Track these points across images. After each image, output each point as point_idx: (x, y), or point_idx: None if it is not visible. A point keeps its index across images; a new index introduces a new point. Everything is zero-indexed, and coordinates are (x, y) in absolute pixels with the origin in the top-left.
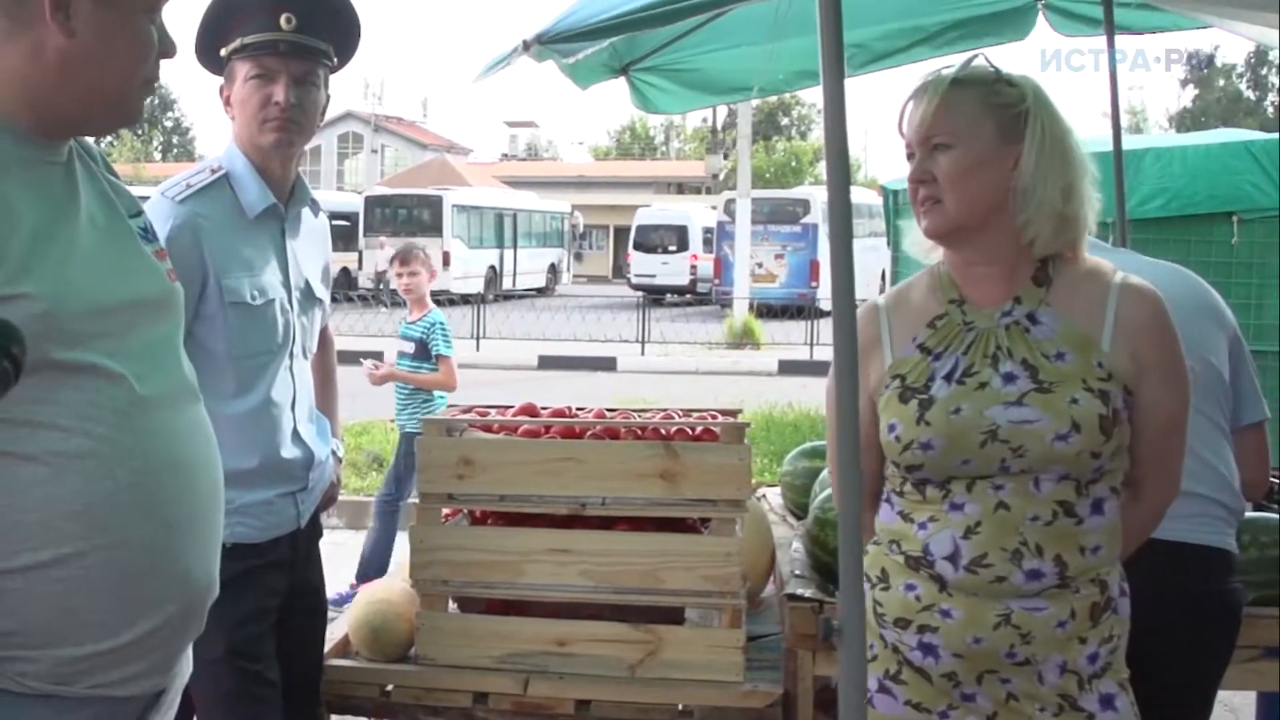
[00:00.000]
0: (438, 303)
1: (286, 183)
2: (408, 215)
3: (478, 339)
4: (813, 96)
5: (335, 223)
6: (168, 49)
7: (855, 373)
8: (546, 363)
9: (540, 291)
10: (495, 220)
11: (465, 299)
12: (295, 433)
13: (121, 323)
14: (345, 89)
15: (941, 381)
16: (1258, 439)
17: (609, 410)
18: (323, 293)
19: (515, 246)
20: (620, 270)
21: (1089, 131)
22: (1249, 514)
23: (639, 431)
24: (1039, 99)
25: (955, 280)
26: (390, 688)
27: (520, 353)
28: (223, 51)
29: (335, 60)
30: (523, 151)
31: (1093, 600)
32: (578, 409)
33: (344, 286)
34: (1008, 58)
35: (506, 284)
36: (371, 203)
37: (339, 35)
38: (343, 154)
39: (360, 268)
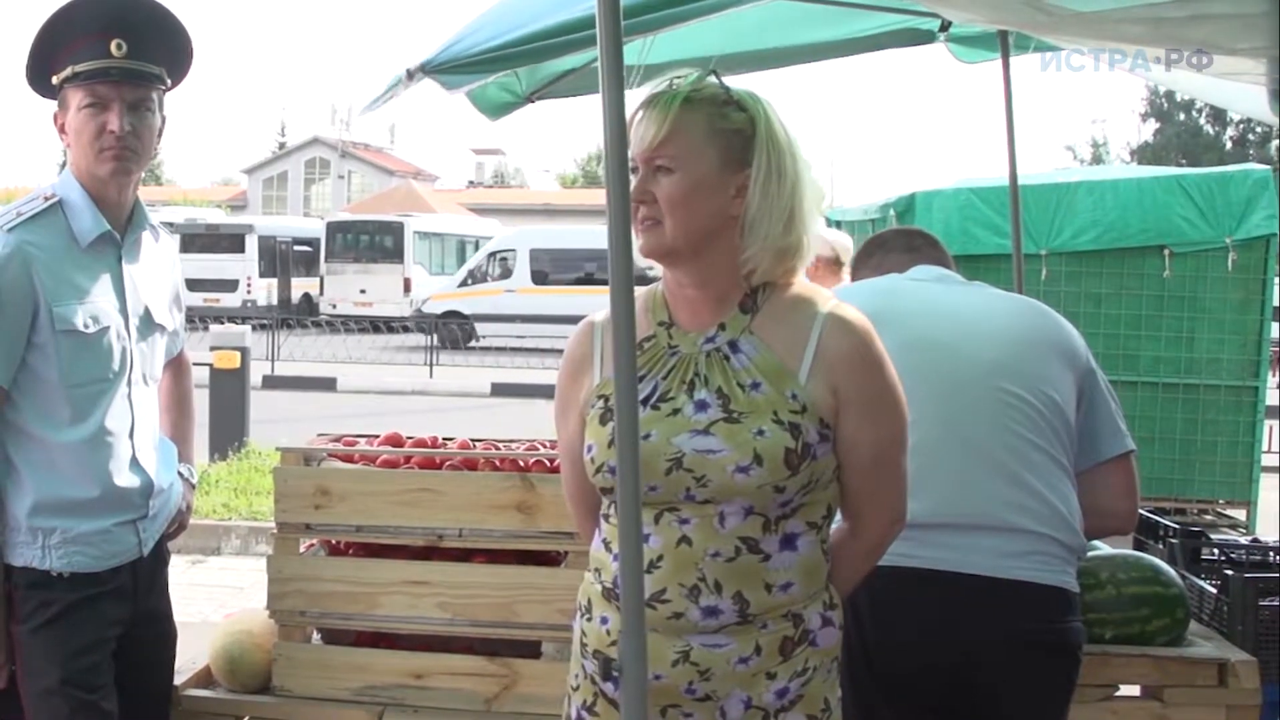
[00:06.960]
0: (405, 329)
1: (124, 209)
2: (369, 241)
3: (431, 366)
4: None
5: (298, 248)
6: None
7: (635, 394)
8: (500, 390)
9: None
10: (457, 247)
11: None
12: (134, 460)
13: None
14: (313, 114)
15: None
16: (1124, 471)
17: (475, 440)
18: (167, 319)
19: None
20: None
21: (1049, 164)
22: (1107, 552)
23: (496, 463)
24: (768, 124)
25: (667, 302)
26: (246, 719)
27: (474, 380)
28: (54, 79)
29: (169, 82)
30: (489, 179)
31: (784, 635)
32: (445, 439)
33: (305, 312)
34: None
35: None
36: (333, 228)
37: (171, 57)
38: (309, 179)
39: (322, 293)
